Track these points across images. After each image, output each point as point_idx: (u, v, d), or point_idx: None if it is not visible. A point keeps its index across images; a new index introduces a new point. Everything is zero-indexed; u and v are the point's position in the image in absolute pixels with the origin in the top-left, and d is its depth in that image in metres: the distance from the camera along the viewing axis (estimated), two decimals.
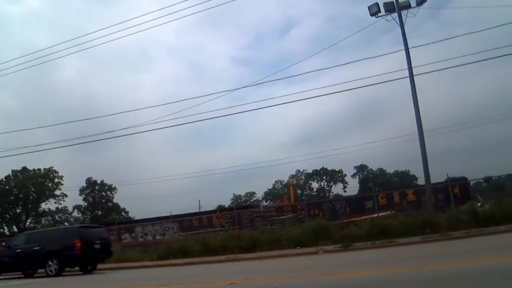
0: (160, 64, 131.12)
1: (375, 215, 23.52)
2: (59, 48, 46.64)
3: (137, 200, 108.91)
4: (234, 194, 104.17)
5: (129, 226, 39.23)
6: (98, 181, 79.71)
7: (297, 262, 14.26)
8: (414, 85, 22.19)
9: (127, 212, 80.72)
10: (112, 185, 79.64)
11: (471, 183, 37.94)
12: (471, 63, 23.29)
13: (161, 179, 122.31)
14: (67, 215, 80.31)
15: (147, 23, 51.48)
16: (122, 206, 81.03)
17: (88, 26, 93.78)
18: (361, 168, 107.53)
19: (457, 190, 29.98)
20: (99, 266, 19.82)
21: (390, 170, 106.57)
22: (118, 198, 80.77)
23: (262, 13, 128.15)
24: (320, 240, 18.44)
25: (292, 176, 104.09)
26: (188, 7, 25.62)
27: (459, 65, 23.38)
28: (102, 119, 40.68)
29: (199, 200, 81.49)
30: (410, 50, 22.53)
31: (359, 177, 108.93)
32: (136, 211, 79.74)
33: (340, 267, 10.63)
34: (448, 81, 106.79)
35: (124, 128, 28.49)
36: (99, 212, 79.42)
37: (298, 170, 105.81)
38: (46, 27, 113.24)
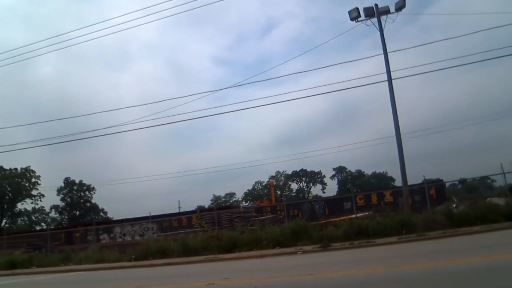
0: (139, 63, 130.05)
1: (354, 215, 23.77)
2: (36, 46, 45.65)
3: (116, 201, 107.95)
4: (214, 194, 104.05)
5: (107, 227, 38.92)
6: (77, 181, 78.72)
7: (276, 262, 14.36)
8: (392, 89, 22.52)
9: (105, 213, 79.92)
10: (90, 185, 78.90)
11: (447, 184, 38.75)
12: (447, 68, 23.86)
13: (141, 179, 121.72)
14: (44, 215, 78.97)
15: (127, 23, 50.78)
16: (100, 206, 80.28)
17: (66, 23, 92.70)
18: (339, 170, 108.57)
19: (433, 191, 30.56)
20: (77, 266, 19.61)
21: (368, 171, 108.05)
22: (97, 198, 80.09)
23: (243, 14, 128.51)
24: (299, 240, 18.59)
25: (272, 177, 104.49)
26: (170, 8, 25.42)
27: (437, 70, 24.04)
28: (80, 118, 39.93)
29: (179, 201, 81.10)
30: (389, 54, 22.89)
31: (338, 178, 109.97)
32: (115, 212, 79.39)
33: (318, 267, 10.78)
34: (426, 84, 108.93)
35: (104, 128, 28.22)
36: (77, 213, 78.41)
37: (278, 171, 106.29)
38: (22, 23, 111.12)
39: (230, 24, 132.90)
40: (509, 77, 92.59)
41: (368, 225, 18.20)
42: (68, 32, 54.78)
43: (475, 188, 60.56)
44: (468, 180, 55.76)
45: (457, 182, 57.76)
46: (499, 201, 20.23)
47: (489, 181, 65.89)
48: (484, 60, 22.55)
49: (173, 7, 24.91)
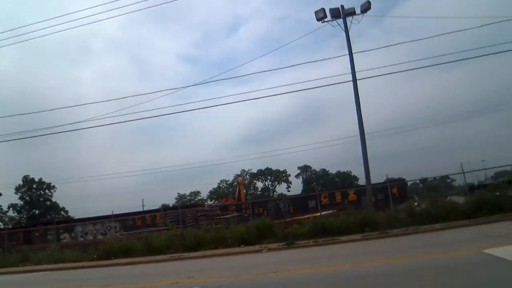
0: (103, 59, 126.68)
1: (318, 214, 24.00)
2: None
3: (78, 199, 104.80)
4: (178, 193, 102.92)
5: (68, 226, 37.90)
6: (36, 179, 76.30)
7: (242, 260, 14.34)
8: (357, 89, 22.83)
9: (66, 211, 77.58)
10: (51, 183, 76.50)
11: (408, 183, 39.61)
12: (410, 69, 24.45)
13: (104, 177, 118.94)
14: (1, 214, 76.11)
15: (91, 17, 49.58)
16: (61, 205, 77.84)
17: (26, 16, 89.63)
18: (304, 169, 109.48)
19: (395, 190, 31.16)
20: (36, 267, 19.01)
21: (332, 170, 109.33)
22: (58, 197, 77.68)
23: (210, 11, 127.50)
24: (265, 238, 18.62)
25: (238, 176, 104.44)
26: (135, 3, 24.87)
27: (400, 71, 24.59)
28: (40, 114, 38.47)
29: (143, 199, 79.82)
30: (354, 54, 23.22)
31: (303, 177, 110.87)
32: (77, 210, 76.93)
33: (283, 264, 10.81)
34: (391, 85, 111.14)
35: (65, 124, 27.30)
36: (37, 211, 75.98)
37: (243, 170, 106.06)
38: None
39: (196, 21, 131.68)
40: (470, 80, 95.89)
41: (333, 223, 18.41)
42: (28, 25, 52.93)
43: (436, 187, 62.59)
44: (429, 179, 57.56)
45: (418, 181, 59.41)
46: (459, 200, 20.86)
47: (449, 180, 68.39)
48: (447, 63, 23.25)
49: (138, 2, 24.39)
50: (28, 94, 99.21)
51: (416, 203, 23.17)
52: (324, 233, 17.82)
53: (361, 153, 22.71)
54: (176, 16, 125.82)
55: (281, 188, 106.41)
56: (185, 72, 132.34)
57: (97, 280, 12.16)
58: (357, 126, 22.94)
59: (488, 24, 20.91)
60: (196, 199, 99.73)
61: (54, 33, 27.16)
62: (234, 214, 29.66)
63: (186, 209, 30.66)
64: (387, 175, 27.33)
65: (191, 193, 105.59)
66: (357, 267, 8.78)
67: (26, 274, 17.88)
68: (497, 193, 18.93)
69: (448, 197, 23.50)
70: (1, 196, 70.45)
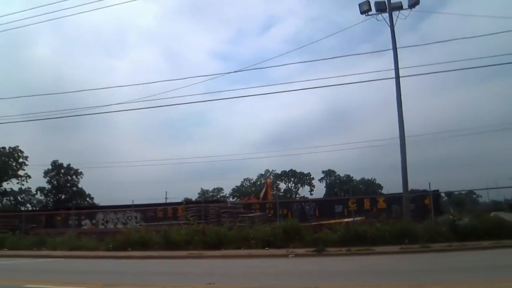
0: (136, 51, 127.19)
1: (345, 219, 22.45)
2: (31, 21, 43.55)
3: (103, 186, 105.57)
4: (202, 188, 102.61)
5: (89, 212, 37.53)
6: (65, 165, 76.86)
7: (268, 264, 12.97)
8: (400, 88, 21.24)
9: (92, 198, 77.92)
10: (78, 169, 77.05)
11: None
12: (448, 71, 22.72)
13: (130, 164, 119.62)
14: (30, 196, 76.95)
15: (127, 4, 49.03)
16: (87, 191, 78.23)
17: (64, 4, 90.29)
18: (328, 173, 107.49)
19: (428, 201, 29.38)
20: (50, 252, 18.13)
21: (356, 177, 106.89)
22: (84, 183, 78.16)
23: (244, 8, 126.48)
24: (291, 242, 17.24)
25: (261, 175, 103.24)
26: None
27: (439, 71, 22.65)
28: (72, 100, 37.90)
29: (166, 191, 79.23)
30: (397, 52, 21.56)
31: (326, 181, 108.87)
32: (102, 198, 77.31)
33: (320, 276, 9.32)
34: (425, 90, 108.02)
35: (94, 107, 26.87)
36: (63, 196, 76.49)
37: (267, 170, 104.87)
38: None
39: (231, 17, 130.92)
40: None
41: (367, 231, 16.83)
42: (64, 9, 52.75)
43: (462, 201, 59.65)
44: (454, 193, 54.88)
45: (443, 194, 56.65)
46: (505, 216, 19.01)
47: (474, 196, 65.31)
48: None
49: None
50: (61, 81, 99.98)
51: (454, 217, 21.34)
52: (356, 241, 16.26)
53: (399, 158, 20.97)
54: (211, 11, 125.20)
55: (304, 191, 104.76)
56: (217, 69, 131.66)
57: (105, 275, 11.02)
58: (397, 127, 21.26)
59: None
60: (218, 196, 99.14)
61: (90, 19, 26.57)
62: (258, 214, 28.33)
63: (209, 204, 29.49)
64: (429, 183, 24.45)
65: (214, 189, 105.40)
66: None
67: (35, 259, 16.96)
68: None
69: (493, 213, 21.59)
70: (30, 179, 71.40)
